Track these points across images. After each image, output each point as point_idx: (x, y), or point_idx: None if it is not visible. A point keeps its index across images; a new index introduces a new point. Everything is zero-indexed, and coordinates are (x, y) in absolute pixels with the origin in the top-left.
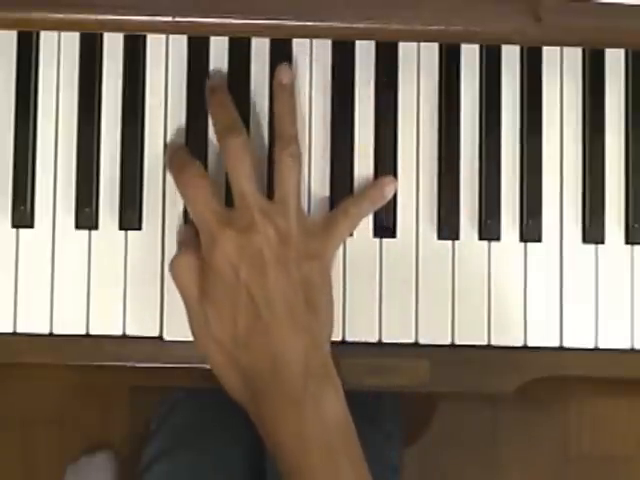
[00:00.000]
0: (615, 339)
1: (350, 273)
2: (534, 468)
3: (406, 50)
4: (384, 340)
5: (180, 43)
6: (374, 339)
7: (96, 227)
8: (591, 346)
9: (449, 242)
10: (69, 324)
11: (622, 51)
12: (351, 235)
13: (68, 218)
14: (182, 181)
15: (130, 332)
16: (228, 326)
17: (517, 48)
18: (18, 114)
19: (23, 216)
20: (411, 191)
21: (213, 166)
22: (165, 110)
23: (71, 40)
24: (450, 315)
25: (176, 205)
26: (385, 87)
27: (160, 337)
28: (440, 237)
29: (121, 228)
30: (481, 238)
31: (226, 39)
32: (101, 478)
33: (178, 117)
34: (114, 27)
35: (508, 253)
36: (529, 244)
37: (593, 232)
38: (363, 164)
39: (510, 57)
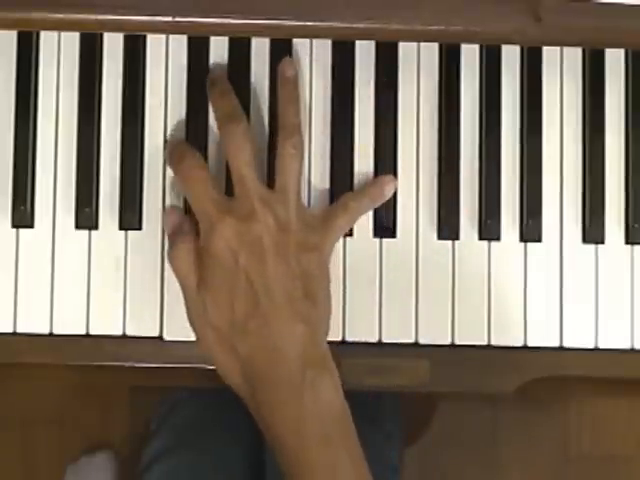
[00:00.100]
0: (615, 339)
1: (350, 273)
2: (534, 468)
3: (406, 50)
4: (384, 340)
5: (180, 43)
6: (374, 339)
7: (96, 227)
8: (591, 346)
9: (449, 242)
10: (69, 324)
11: (622, 51)
12: (351, 235)
13: (68, 218)
14: (181, 172)
15: (130, 332)
16: (226, 311)
17: (517, 48)
18: (18, 114)
19: (23, 216)
20: (411, 191)
21: (213, 165)
22: (165, 110)
23: (71, 40)
24: (450, 315)
25: (176, 205)
26: (385, 87)
27: (160, 337)
28: (440, 237)
29: (121, 228)
30: (481, 238)
31: (226, 39)
32: (101, 478)
33: (178, 117)
34: (114, 27)
35: (508, 253)
36: (529, 244)
37: (593, 232)
38: (363, 164)
39: (510, 57)
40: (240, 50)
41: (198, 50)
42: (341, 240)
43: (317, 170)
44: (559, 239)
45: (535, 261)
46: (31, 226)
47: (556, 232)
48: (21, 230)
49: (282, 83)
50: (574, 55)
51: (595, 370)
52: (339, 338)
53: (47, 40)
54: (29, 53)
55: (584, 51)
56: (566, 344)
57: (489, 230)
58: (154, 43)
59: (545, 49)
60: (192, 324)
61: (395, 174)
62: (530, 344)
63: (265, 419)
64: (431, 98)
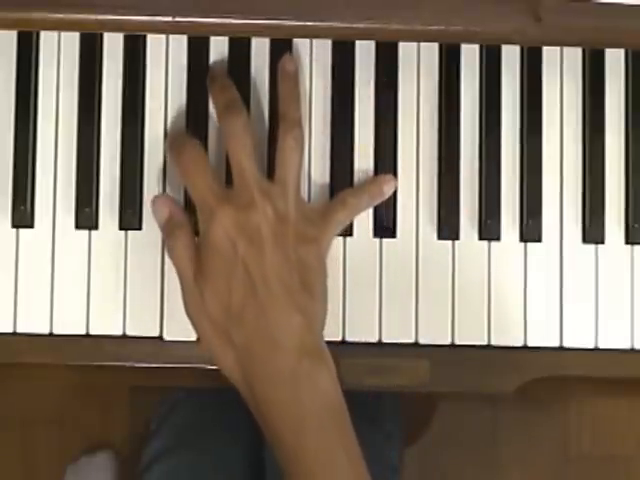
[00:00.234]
0: (615, 339)
1: (350, 273)
2: (534, 468)
3: (406, 50)
4: (384, 340)
5: (180, 43)
6: (374, 339)
7: (96, 227)
8: (591, 346)
9: (449, 242)
10: (69, 324)
11: (622, 51)
12: (351, 235)
13: (68, 218)
14: (181, 162)
15: (130, 332)
16: (223, 300)
17: (517, 48)
18: (18, 114)
19: (23, 216)
20: (411, 191)
21: (213, 165)
22: (165, 110)
23: (71, 40)
24: (450, 315)
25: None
26: (385, 87)
27: (160, 337)
28: (440, 237)
29: (121, 228)
30: (481, 238)
31: (226, 39)
32: (101, 478)
33: (178, 117)
34: (114, 27)
35: (508, 253)
36: (529, 244)
37: (593, 232)
38: (363, 164)
39: (510, 57)
40: (240, 50)
41: (198, 50)
42: (341, 240)
43: (317, 170)
44: (559, 239)
45: (535, 261)
46: (31, 226)
47: (556, 232)
48: (21, 230)
49: (283, 78)
50: (574, 55)
51: (595, 370)
52: (339, 338)
53: (47, 40)
54: (29, 53)
55: (584, 51)
56: (566, 344)
57: (489, 230)
58: (154, 43)
59: (545, 49)
60: (189, 314)
61: (395, 174)
62: (530, 344)
63: (261, 410)
64: (431, 98)
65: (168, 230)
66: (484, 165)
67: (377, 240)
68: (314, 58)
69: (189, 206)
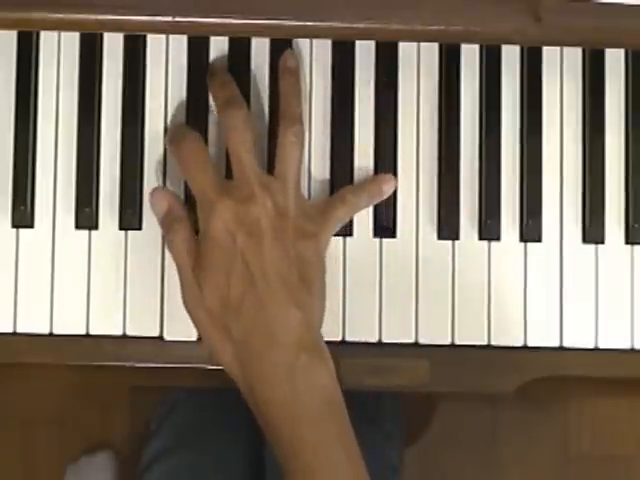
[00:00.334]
0: (615, 339)
1: (350, 273)
2: (534, 468)
3: (406, 50)
4: (384, 340)
5: (180, 43)
6: (374, 339)
7: (96, 227)
8: (591, 346)
9: (449, 242)
10: (69, 324)
11: (622, 51)
12: (351, 235)
13: (68, 218)
14: (181, 155)
15: (130, 332)
16: (221, 292)
17: (517, 48)
18: (18, 114)
19: (23, 216)
20: (411, 191)
21: (213, 161)
22: (165, 110)
23: (71, 40)
24: (450, 315)
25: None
26: (385, 87)
27: (160, 337)
28: (440, 237)
29: (121, 228)
30: (481, 238)
31: (226, 39)
32: (101, 478)
33: (178, 117)
34: (114, 27)
35: (508, 253)
36: (529, 244)
37: (593, 232)
38: (363, 164)
39: (510, 57)
40: (240, 50)
41: (198, 50)
42: (341, 240)
43: (317, 170)
44: (559, 239)
45: (535, 261)
46: (31, 226)
47: (556, 232)
48: (21, 230)
49: (284, 74)
50: (574, 55)
51: (595, 370)
52: (339, 338)
53: (47, 40)
54: (29, 53)
55: (584, 51)
56: (566, 344)
57: (489, 230)
58: (154, 43)
59: (545, 49)
60: (187, 308)
61: (395, 174)
62: (530, 344)
63: (260, 405)
64: (431, 98)
65: (167, 224)
66: (484, 165)
67: (377, 240)
68: (314, 58)
69: (189, 203)
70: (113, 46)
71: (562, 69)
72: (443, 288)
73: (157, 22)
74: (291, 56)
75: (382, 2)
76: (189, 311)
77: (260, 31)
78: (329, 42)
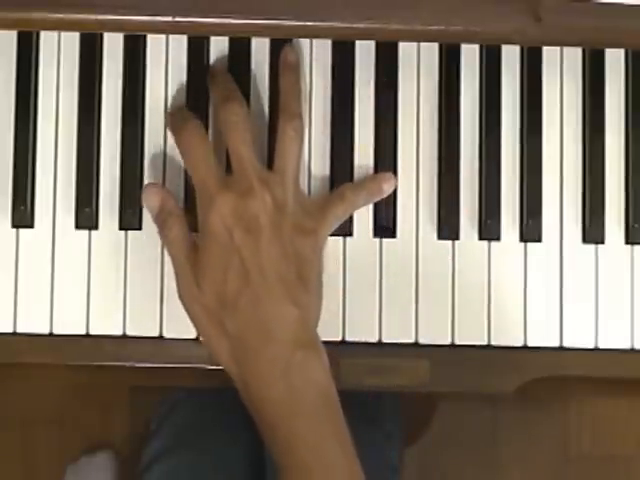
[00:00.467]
0: (615, 339)
1: (350, 273)
2: (534, 468)
3: (406, 50)
4: (384, 340)
5: (180, 43)
6: (374, 339)
7: (96, 227)
8: (591, 346)
9: (449, 242)
10: (69, 324)
11: (622, 51)
12: (351, 235)
13: (68, 218)
14: (183, 139)
15: (130, 332)
16: (218, 289)
17: (517, 48)
18: (18, 114)
19: (23, 216)
20: (411, 191)
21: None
22: (165, 110)
23: (71, 40)
24: (450, 315)
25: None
26: (385, 87)
27: (160, 337)
28: (440, 237)
29: (121, 228)
30: (481, 238)
31: (226, 39)
32: (101, 478)
33: None
34: (114, 27)
35: (508, 253)
36: (529, 244)
37: (593, 232)
38: (363, 164)
39: (510, 57)
40: (240, 50)
41: (198, 50)
42: (341, 240)
43: (317, 170)
44: (559, 239)
45: (535, 261)
46: (31, 226)
47: (556, 232)
48: (21, 230)
49: (284, 69)
50: (574, 55)
51: (595, 370)
52: (339, 338)
53: (47, 40)
54: (29, 53)
55: (584, 51)
56: (566, 344)
57: (489, 230)
58: (154, 43)
59: (545, 49)
60: (183, 303)
61: (395, 174)
62: (530, 344)
63: (253, 400)
64: (431, 98)
65: (161, 219)
66: (484, 165)
67: (377, 240)
68: (314, 58)
69: (189, 200)
70: (113, 46)
71: (562, 69)
72: (443, 288)
73: (157, 22)
74: (291, 51)
75: (382, 2)
76: (185, 305)
77: (260, 31)
78: (329, 42)
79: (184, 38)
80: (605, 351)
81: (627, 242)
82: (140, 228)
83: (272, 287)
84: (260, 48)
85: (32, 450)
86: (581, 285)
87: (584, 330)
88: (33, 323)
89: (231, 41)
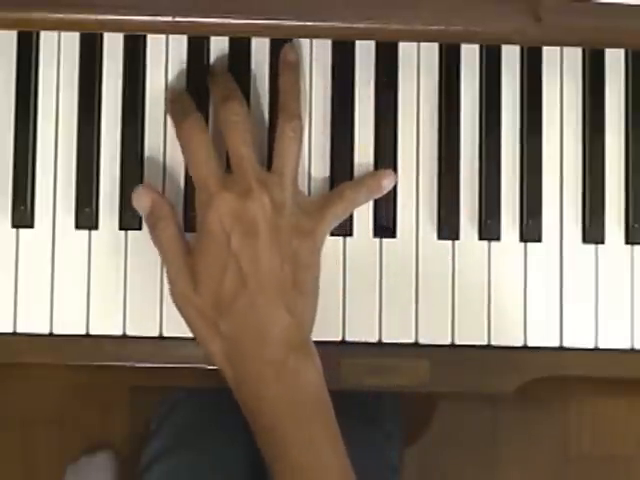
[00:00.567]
0: (615, 339)
1: (350, 273)
2: (534, 468)
3: (406, 50)
4: (384, 340)
5: (180, 43)
6: (374, 339)
7: (96, 227)
8: (591, 346)
9: (449, 242)
10: (69, 324)
11: (622, 51)
12: (351, 235)
13: (68, 218)
14: (184, 131)
15: (130, 332)
16: (213, 290)
17: (517, 48)
18: (18, 114)
19: (23, 216)
20: (411, 191)
21: None
22: (165, 110)
23: (71, 40)
24: (450, 315)
25: (176, 205)
26: (385, 87)
27: (160, 337)
28: (440, 237)
29: (121, 228)
30: (481, 238)
31: (226, 39)
32: (101, 478)
33: None
34: (114, 27)
35: (508, 253)
36: (529, 244)
37: (593, 232)
38: (363, 164)
39: (510, 57)
40: (240, 50)
41: (198, 50)
42: (341, 240)
43: (317, 170)
44: (559, 239)
45: (535, 261)
46: (31, 226)
47: (556, 232)
48: (21, 230)
49: (284, 69)
50: (574, 55)
51: (595, 370)
52: (339, 338)
53: (47, 40)
54: (29, 53)
55: (584, 51)
56: (566, 344)
57: (489, 230)
58: (154, 43)
59: (545, 49)
60: (176, 300)
61: (395, 174)
62: (530, 344)
63: (247, 401)
64: (431, 98)
65: (151, 221)
66: (484, 165)
67: (377, 240)
68: (314, 58)
69: (189, 200)
70: (113, 46)
71: (562, 69)
72: (443, 288)
73: (157, 22)
74: (291, 50)
75: (382, 2)
76: (178, 306)
77: (260, 31)
78: (329, 42)
79: (184, 38)
80: (605, 351)
81: (627, 242)
82: (140, 228)
83: (268, 293)
84: (260, 48)
85: (32, 450)
86: (581, 285)
87: (584, 330)
88: (33, 323)
89: (231, 41)
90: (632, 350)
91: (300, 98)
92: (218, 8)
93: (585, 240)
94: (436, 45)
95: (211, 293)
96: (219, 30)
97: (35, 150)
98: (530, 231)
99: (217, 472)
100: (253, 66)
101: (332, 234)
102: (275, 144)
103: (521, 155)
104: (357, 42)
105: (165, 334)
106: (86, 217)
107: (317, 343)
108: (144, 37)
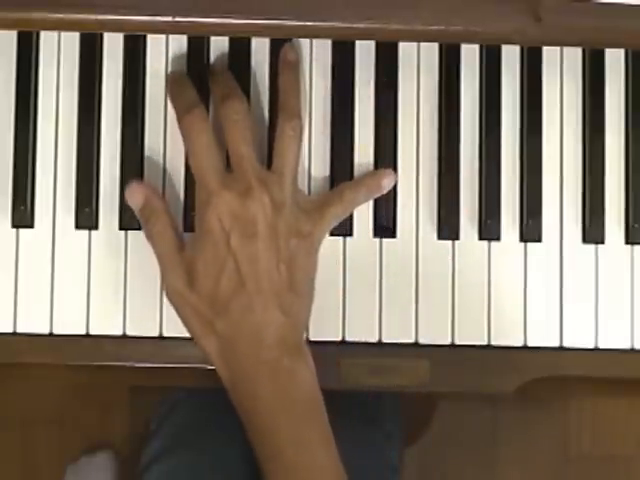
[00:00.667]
0: (615, 339)
1: (350, 273)
2: (534, 468)
3: (406, 50)
4: (384, 340)
5: (180, 43)
6: (374, 339)
7: (96, 227)
8: (591, 346)
9: (449, 242)
10: (69, 324)
11: (622, 51)
12: (351, 235)
13: (68, 218)
14: (187, 123)
15: (130, 332)
16: (209, 288)
17: (517, 48)
18: (18, 114)
19: (23, 216)
20: (411, 191)
21: None
22: (165, 110)
23: (71, 40)
24: (450, 315)
25: (176, 205)
26: (385, 87)
27: (160, 337)
28: (440, 237)
29: (121, 228)
30: (481, 238)
31: (226, 39)
32: (101, 478)
33: None
34: (114, 27)
35: (508, 253)
36: (529, 244)
37: (593, 232)
38: (363, 164)
39: (510, 57)
40: (240, 50)
41: (198, 50)
42: (341, 240)
43: (317, 170)
44: (559, 239)
45: (535, 261)
46: (31, 226)
47: (556, 232)
48: (21, 230)
49: (284, 68)
50: (574, 55)
51: (595, 370)
52: (339, 338)
53: (47, 40)
54: (29, 53)
55: (584, 51)
56: (566, 344)
57: (489, 230)
58: (154, 43)
59: (545, 49)
60: (170, 297)
61: (395, 173)
62: (530, 344)
63: (241, 400)
64: (431, 98)
65: (144, 218)
66: (484, 165)
67: (377, 240)
68: (314, 58)
69: (189, 203)
70: (113, 46)
71: (562, 69)
72: (443, 288)
73: (157, 22)
74: (291, 49)
75: (382, 2)
76: (173, 303)
77: (260, 31)
78: (329, 42)
79: (184, 38)
80: (605, 351)
81: (627, 242)
82: (140, 228)
83: (264, 294)
84: (260, 48)
85: (32, 450)
86: (581, 285)
87: (584, 330)
88: (33, 323)
89: (231, 41)
90: (632, 350)
91: (300, 97)
92: (218, 8)
93: (585, 240)
94: (436, 45)
95: (208, 292)
96: (219, 30)
97: (35, 150)
98: (530, 231)
99: (217, 472)
100: (253, 66)
101: (332, 234)
102: (275, 143)
103: (521, 155)
104: (357, 42)
105: (165, 334)
106: (86, 217)
107: (317, 343)
108: (144, 37)
